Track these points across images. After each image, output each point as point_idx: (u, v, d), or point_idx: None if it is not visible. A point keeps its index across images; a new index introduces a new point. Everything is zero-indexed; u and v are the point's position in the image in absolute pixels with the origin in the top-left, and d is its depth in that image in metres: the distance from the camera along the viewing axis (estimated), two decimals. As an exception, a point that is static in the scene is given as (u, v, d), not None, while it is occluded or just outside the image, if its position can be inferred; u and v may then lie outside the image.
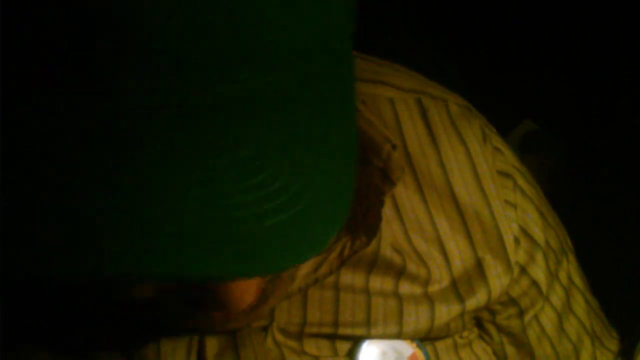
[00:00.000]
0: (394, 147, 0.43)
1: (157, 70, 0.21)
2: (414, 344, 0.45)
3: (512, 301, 0.50)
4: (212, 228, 0.22)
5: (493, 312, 0.50)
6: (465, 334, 0.48)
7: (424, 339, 0.45)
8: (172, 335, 0.40)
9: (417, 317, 0.44)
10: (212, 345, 0.41)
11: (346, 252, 0.42)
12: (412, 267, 0.45)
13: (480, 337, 0.51)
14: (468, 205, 0.47)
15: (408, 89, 0.49)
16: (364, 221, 0.42)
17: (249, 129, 0.23)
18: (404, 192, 0.46)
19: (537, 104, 1.30)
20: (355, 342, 0.44)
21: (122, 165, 0.22)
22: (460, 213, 0.47)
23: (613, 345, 0.56)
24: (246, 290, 0.29)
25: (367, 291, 0.44)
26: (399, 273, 0.45)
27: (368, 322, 0.44)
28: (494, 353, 0.51)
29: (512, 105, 1.25)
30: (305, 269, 0.42)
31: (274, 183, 0.23)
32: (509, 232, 0.48)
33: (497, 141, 0.51)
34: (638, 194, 1.15)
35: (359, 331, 0.43)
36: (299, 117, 0.25)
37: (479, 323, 0.51)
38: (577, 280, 0.54)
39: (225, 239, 0.22)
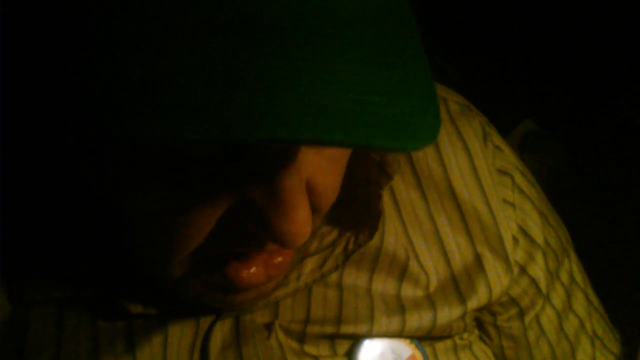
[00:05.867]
0: None
1: None
2: (413, 345, 0.45)
3: (512, 301, 0.49)
4: (358, 106, 0.25)
5: (494, 314, 0.49)
6: (465, 335, 0.48)
7: (426, 337, 0.45)
8: (183, 314, 0.41)
9: (419, 318, 0.44)
10: (215, 341, 0.41)
11: (350, 246, 0.43)
12: (414, 265, 0.45)
13: (481, 338, 0.50)
14: (467, 203, 0.47)
15: None
16: (365, 215, 0.43)
17: (363, 33, 0.26)
18: (404, 189, 0.46)
19: (537, 104, 1.30)
20: (355, 341, 0.44)
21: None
22: (460, 210, 0.47)
23: (615, 347, 0.55)
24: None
25: (369, 292, 0.44)
26: (402, 271, 0.45)
27: (371, 319, 0.44)
28: (494, 355, 0.51)
29: (512, 105, 1.25)
30: (311, 265, 0.43)
31: (392, 78, 0.26)
32: (508, 231, 0.48)
33: (498, 140, 0.50)
34: (638, 194, 1.14)
35: (361, 328, 0.43)
36: (395, 33, 0.28)
37: (479, 325, 0.50)
38: (579, 279, 0.54)
39: (370, 116, 0.25)
